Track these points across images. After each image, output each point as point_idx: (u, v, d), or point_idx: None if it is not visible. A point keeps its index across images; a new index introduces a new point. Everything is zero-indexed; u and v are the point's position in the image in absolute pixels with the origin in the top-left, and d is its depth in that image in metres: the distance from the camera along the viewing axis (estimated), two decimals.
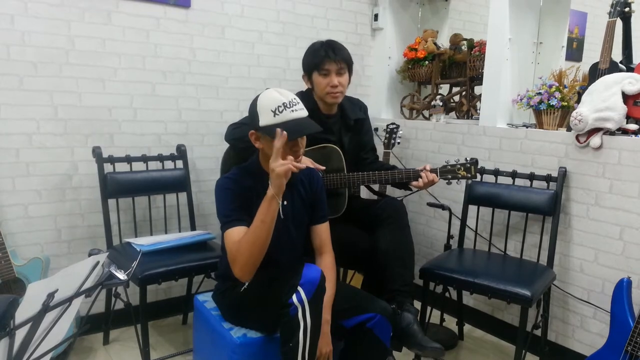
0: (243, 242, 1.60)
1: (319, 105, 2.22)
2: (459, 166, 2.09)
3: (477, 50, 2.85)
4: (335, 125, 2.27)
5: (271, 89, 1.65)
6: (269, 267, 1.69)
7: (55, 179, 2.40)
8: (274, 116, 1.60)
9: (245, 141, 2.09)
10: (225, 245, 1.67)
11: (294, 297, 1.53)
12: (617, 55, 2.38)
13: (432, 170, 2.09)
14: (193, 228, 2.63)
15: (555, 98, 2.33)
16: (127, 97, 2.53)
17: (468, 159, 2.11)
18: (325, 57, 2.11)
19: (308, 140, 2.17)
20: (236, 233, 1.63)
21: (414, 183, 2.10)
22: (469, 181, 2.10)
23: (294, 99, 1.65)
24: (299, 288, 1.54)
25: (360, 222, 2.20)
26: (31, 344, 1.03)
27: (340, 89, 2.14)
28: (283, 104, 1.60)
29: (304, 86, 2.34)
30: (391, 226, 2.07)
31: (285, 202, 1.78)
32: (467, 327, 2.76)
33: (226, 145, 2.32)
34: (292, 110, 1.61)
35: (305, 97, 2.21)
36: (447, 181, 2.11)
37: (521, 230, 2.46)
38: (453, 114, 3.11)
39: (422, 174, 2.07)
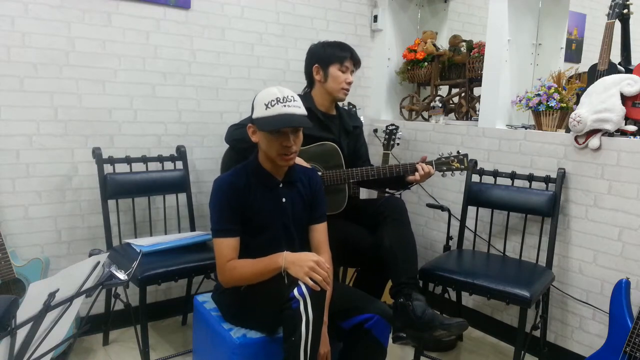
0: (236, 273, 1.70)
1: (320, 104, 2.25)
2: (452, 158, 2.16)
3: (476, 51, 2.86)
4: (335, 126, 2.29)
5: (274, 87, 1.70)
6: None
7: (56, 180, 2.41)
8: (266, 109, 1.65)
9: (246, 141, 2.10)
10: (214, 251, 1.75)
11: (295, 291, 1.54)
12: (615, 56, 2.39)
13: (428, 163, 2.15)
14: (193, 229, 2.64)
15: (554, 99, 2.34)
16: (127, 98, 2.54)
17: (459, 152, 2.17)
18: (350, 56, 2.23)
19: (307, 138, 2.19)
20: (224, 246, 1.72)
21: (410, 177, 2.15)
22: (462, 173, 2.16)
23: (292, 96, 1.69)
24: (300, 281, 1.55)
25: (361, 220, 2.22)
26: (32, 343, 1.03)
27: (349, 88, 2.25)
28: (277, 98, 1.66)
29: (303, 87, 2.35)
30: (393, 222, 2.09)
31: (284, 200, 1.79)
32: None
33: (226, 146, 2.32)
34: (285, 105, 1.66)
35: (304, 98, 2.23)
36: (442, 173, 2.17)
37: (520, 231, 2.46)
38: (452, 115, 3.12)
39: (418, 166, 2.13)
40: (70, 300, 1.08)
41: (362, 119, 2.99)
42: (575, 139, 2.24)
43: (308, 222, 1.87)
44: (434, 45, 3.11)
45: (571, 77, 2.53)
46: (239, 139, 2.12)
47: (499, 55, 2.62)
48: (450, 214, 2.66)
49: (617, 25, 2.35)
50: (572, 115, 2.18)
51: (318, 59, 2.23)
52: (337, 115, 2.32)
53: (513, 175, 2.42)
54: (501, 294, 2.01)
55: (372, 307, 1.76)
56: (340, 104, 2.39)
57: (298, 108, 1.69)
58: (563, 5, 2.80)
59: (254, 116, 1.69)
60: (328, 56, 2.21)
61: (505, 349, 2.58)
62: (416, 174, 2.12)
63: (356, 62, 2.25)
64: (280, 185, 1.80)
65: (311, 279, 1.53)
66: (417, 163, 2.14)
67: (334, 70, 2.20)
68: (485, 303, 2.71)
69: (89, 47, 2.42)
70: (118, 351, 2.43)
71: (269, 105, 1.65)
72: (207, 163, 2.82)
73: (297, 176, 1.85)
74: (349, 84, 2.23)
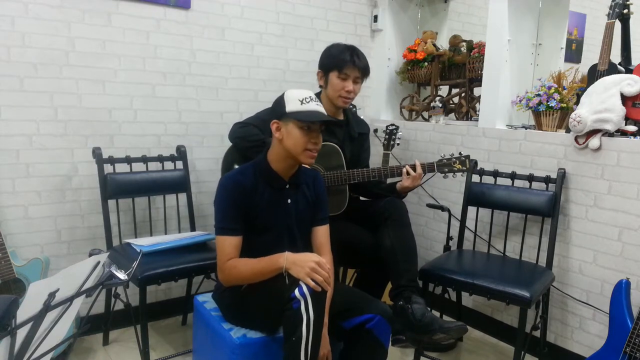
0: (236, 272, 1.70)
1: (327, 108, 2.22)
2: (454, 159, 2.16)
3: (476, 51, 2.86)
4: (340, 132, 2.29)
5: (301, 89, 1.79)
6: None
7: (55, 180, 2.41)
8: (301, 104, 1.72)
9: (249, 140, 2.11)
10: (216, 248, 1.75)
11: (296, 291, 1.54)
12: (615, 56, 2.38)
13: (429, 165, 2.15)
14: (193, 229, 2.64)
15: (554, 99, 2.34)
16: (127, 98, 2.54)
17: (461, 153, 2.18)
18: (350, 61, 2.14)
19: None
20: (226, 245, 1.73)
21: (398, 185, 2.16)
22: (463, 174, 2.16)
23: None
24: (301, 282, 1.55)
25: (362, 221, 2.22)
26: (32, 343, 1.03)
27: (352, 96, 2.21)
28: (310, 97, 1.75)
29: (304, 88, 2.35)
30: (394, 224, 2.09)
31: (289, 201, 1.80)
32: None
33: (226, 146, 2.33)
34: (317, 104, 1.75)
35: None
36: (443, 175, 2.17)
37: (520, 231, 2.46)
38: (452, 115, 3.12)
39: (405, 169, 2.13)
40: (70, 300, 1.08)
41: (362, 117, 2.99)
42: (576, 139, 2.24)
43: (311, 223, 1.88)
44: (434, 45, 3.11)
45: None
46: (242, 137, 2.12)
47: (499, 55, 2.61)
48: (450, 214, 2.66)
49: (617, 25, 2.35)
50: (572, 115, 2.18)
51: (321, 63, 2.22)
52: (344, 121, 2.31)
53: (513, 176, 2.42)
54: (501, 294, 2.00)
55: (373, 307, 1.76)
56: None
57: (324, 110, 1.78)
58: (563, 5, 2.80)
59: (289, 110, 1.72)
60: (328, 61, 2.18)
61: (505, 349, 2.58)
62: (409, 175, 2.12)
63: (362, 70, 2.17)
64: (287, 187, 1.81)
65: (312, 279, 1.53)
66: (412, 165, 2.14)
67: (333, 77, 2.16)
68: (485, 303, 2.71)
69: (89, 47, 2.42)
70: (118, 351, 2.43)
71: (304, 102, 1.72)
72: (207, 163, 2.82)
73: (303, 178, 1.86)
74: (348, 92, 2.16)
